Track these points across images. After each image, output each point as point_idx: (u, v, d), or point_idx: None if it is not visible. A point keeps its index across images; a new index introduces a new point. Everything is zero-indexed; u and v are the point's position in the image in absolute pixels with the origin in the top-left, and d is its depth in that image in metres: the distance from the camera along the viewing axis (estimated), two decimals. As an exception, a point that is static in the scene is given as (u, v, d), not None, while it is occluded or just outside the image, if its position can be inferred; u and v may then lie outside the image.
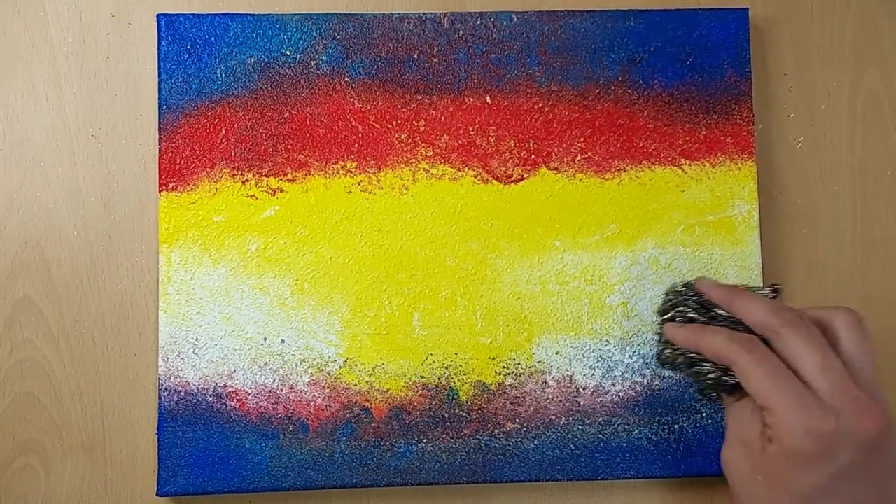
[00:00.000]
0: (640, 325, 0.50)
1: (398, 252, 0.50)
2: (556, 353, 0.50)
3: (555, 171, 0.51)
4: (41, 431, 0.50)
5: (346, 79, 0.51)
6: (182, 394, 0.49)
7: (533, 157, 0.51)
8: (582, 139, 0.51)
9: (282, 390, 0.49)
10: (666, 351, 0.45)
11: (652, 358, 0.50)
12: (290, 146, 0.50)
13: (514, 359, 0.50)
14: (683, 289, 0.46)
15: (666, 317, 0.46)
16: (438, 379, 0.50)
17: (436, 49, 0.51)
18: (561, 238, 0.51)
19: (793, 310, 0.42)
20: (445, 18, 0.51)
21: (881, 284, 0.53)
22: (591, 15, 0.52)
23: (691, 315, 0.45)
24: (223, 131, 0.50)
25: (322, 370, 0.49)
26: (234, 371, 0.49)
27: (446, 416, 0.49)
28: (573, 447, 0.50)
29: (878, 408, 0.39)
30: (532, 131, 0.51)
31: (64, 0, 0.52)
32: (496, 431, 0.49)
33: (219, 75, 0.50)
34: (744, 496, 0.42)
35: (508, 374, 0.50)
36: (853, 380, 0.40)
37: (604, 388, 0.50)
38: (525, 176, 0.51)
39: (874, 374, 0.41)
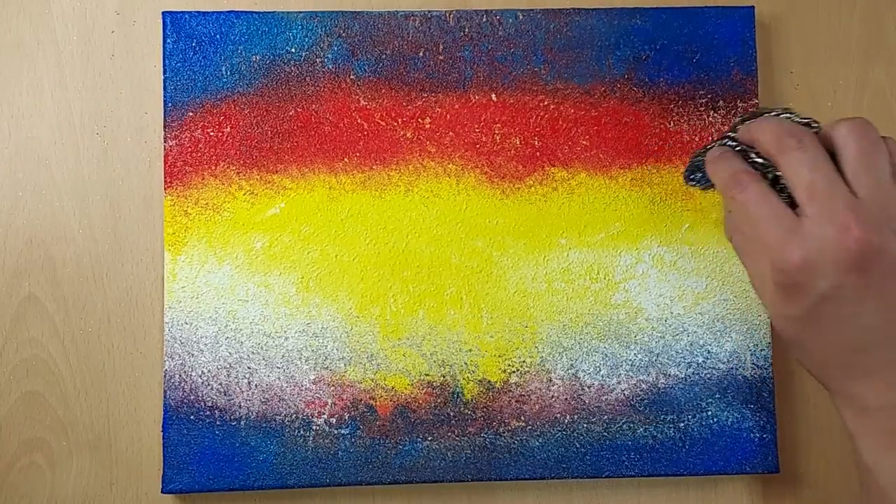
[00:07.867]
0: (645, 323, 0.50)
1: (403, 250, 0.50)
2: (562, 351, 0.50)
3: (560, 169, 0.51)
4: (47, 429, 0.50)
5: (351, 76, 0.51)
6: (187, 391, 0.49)
7: (538, 154, 0.51)
8: (587, 137, 0.51)
9: (287, 388, 0.49)
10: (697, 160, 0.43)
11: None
12: (295, 144, 0.50)
13: (520, 357, 0.50)
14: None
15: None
16: (443, 377, 0.50)
17: (441, 47, 0.51)
18: (566, 236, 0.51)
19: (797, 133, 0.39)
20: (451, 16, 0.51)
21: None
22: (597, 13, 0.52)
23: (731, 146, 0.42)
24: (228, 129, 0.50)
25: (327, 368, 0.49)
26: (239, 369, 0.49)
27: (451, 413, 0.49)
28: (578, 445, 0.49)
29: (860, 223, 0.36)
30: (537, 129, 0.51)
31: (69, -2, 0.52)
32: (501, 429, 0.49)
33: (224, 73, 0.50)
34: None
35: (513, 371, 0.50)
36: (853, 196, 0.37)
37: (609, 386, 0.50)
38: (530, 174, 0.51)
39: (883, 179, 0.38)
